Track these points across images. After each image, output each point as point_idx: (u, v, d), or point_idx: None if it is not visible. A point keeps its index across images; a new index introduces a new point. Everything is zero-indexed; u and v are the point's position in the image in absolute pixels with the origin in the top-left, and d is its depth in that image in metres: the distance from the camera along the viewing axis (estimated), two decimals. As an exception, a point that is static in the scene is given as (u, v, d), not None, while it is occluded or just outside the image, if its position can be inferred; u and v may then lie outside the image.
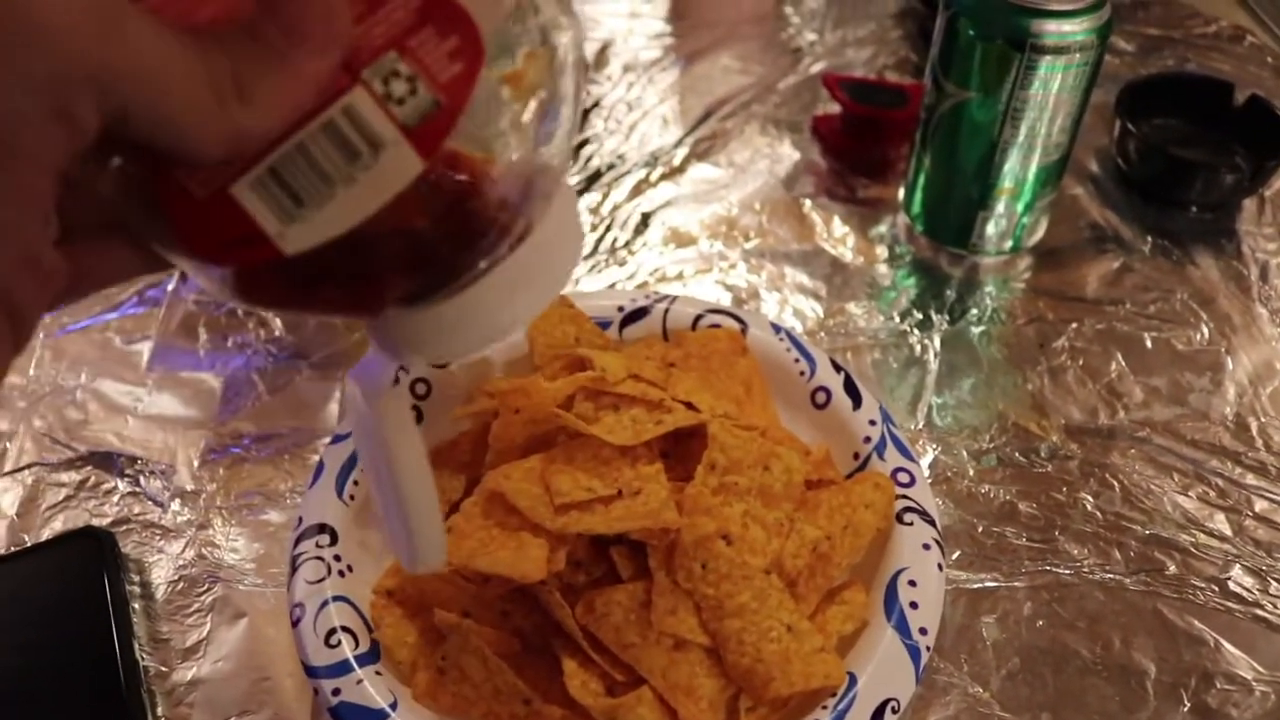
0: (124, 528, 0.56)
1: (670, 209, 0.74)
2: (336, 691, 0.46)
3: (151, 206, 0.24)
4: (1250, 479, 0.58)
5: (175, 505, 0.57)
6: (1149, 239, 0.72)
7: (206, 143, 0.22)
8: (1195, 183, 0.72)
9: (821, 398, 0.56)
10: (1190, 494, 0.57)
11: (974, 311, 0.66)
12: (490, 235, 0.27)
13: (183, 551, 0.55)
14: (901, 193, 0.71)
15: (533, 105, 0.26)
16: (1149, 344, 0.65)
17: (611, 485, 0.48)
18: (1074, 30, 0.58)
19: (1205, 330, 0.66)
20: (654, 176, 0.76)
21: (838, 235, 0.71)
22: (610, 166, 0.76)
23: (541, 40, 0.26)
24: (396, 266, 0.27)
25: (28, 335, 0.23)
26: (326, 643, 0.48)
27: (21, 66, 0.19)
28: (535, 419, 0.51)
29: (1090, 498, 0.57)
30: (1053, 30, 0.58)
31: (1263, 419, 0.61)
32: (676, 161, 0.77)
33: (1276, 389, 0.63)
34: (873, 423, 0.55)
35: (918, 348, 0.64)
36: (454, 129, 0.24)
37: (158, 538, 0.56)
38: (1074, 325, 0.66)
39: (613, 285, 0.68)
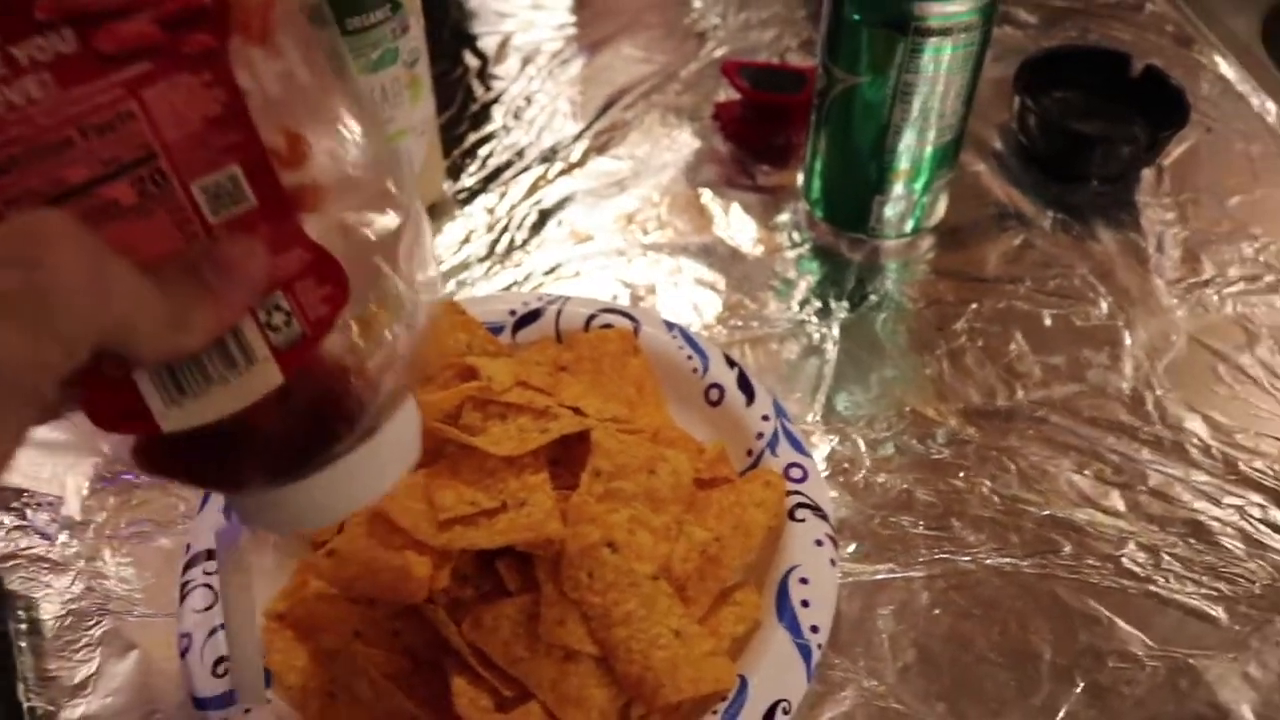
0: (10, 563, 0.55)
1: (569, 206, 0.73)
2: (225, 723, 0.46)
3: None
4: (1145, 454, 0.58)
5: (63, 537, 0.56)
6: (1050, 214, 0.72)
7: (154, 358, 0.28)
8: (1093, 156, 0.72)
9: (715, 395, 0.56)
10: (1086, 472, 0.57)
11: (874, 297, 0.66)
12: (334, 434, 0.33)
13: (71, 584, 0.54)
14: (801, 178, 0.71)
15: (377, 344, 0.33)
16: (1048, 321, 0.65)
17: (496, 497, 0.47)
18: (958, 11, 0.58)
19: (1104, 305, 0.66)
20: (552, 173, 0.75)
21: (738, 225, 0.71)
22: (508, 164, 0.75)
23: (397, 296, 0.33)
24: (254, 453, 0.32)
25: None
26: (214, 672, 0.47)
27: (42, 328, 0.24)
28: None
29: (987, 482, 0.57)
30: (936, 12, 0.58)
31: (1158, 392, 0.61)
32: (575, 156, 0.76)
33: (1172, 361, 0.63)
34: (766, 418, 0.54)
35: (816, 336, 0.64)
36: (312, 353, 0.31)
37: (45, 572, 0.55)
38: (974, 306, 0.66)
39: (509, 287, 0.67)
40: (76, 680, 0.51)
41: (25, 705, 0.50)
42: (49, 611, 0.53)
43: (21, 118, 0.25)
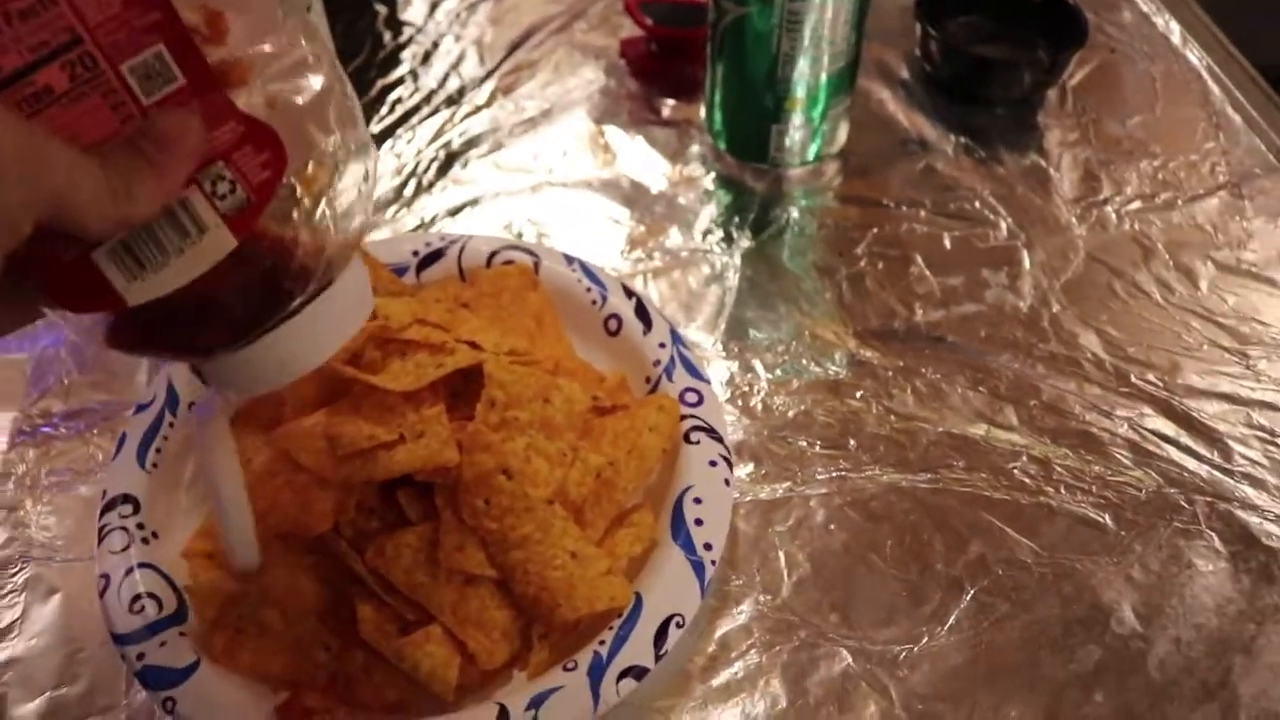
0: (-69, 514, 0.56)
1: (476, 147, 0.73)
2: (141, 656, 0.47)
3: (25, 269, 0.30)
4: (1040, 369, 0.60)
5: (-14, 488, 0.57)
6: (953, 138, 0.73)
7: (102, 230, 0.29)
8: (995, 80, 0.74)
9: (614, 325, 0.57)
10: (981, 389, 0.59)
11: (776, 225, 0.67)
12: (289, 293, 0.35)
13: (-8, 533, 0.55)
14: (703, 111, 0.72)
15: (321, 200, 0.35)
16: (948, 244, 0.66)
17: (394, 430, 0.48)
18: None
19: (1004, 226, 0.67)
20: (459, 115, 0.75)
21: (644, 160, 0.72)
22: (416, 109, 0.76)
23: (332, 155, 0.35)
24: (217, 317, 0.34)
25: None
26: (130, 609, 0.48)
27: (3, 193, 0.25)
28: (325, 373, 0.51)
29: (884, 401, 0.58)
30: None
31: (1055, 309, 0.63)
32: (482, 98, 0.76)
33: (1070, 279, 0.65)
34: (662, 345, 0.55)
35: (719, 265, 0.65)
36: (260, 217, 0.33)
37: (-35, 521, 0.56)
38: (875, 230, 0.67)
39: (415, 229, 0.68)
40: (2, 625, 0.52)
41: (-52, 649, 0.51)
42: (-27, 560, 0.54)
43: None
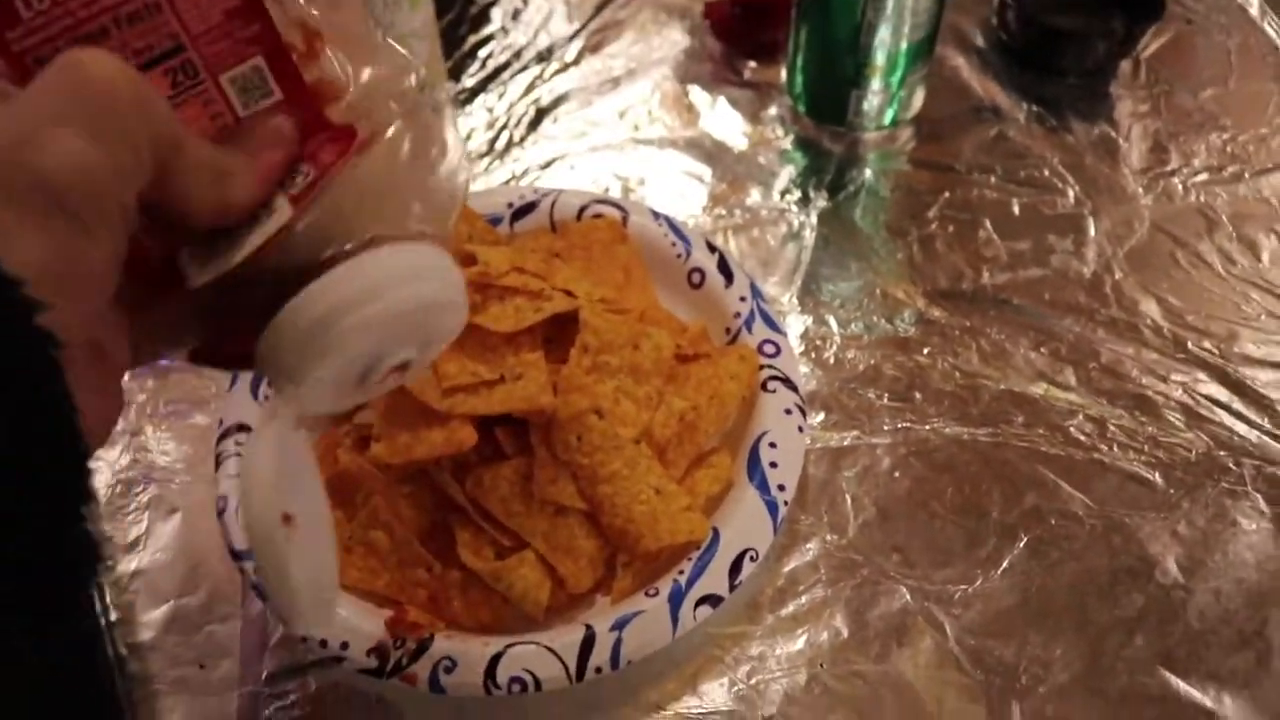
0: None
1: (564, 103, 0.77)
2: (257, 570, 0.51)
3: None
4: (1100, 333, 0.62)
5: (108, 413, 0.62)
6: (1026, 107, 0.75)
7: (200, 211, 0.30)
8: (1069, 50, 0.75)
9: (697, 278, 0.61)
10: (1043, 350, 0.62)
11: (852, 186, 0.70)
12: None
13: (119, 457, 0.60)
14: (784, 75, 0.74)
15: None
16: (1017, 210, 0.69)
17: (495, 370, 0.52)
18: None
19: (1071, 194, 0.70)
20: (548, 72, 0.79)
21: (725, 120, 0.75)
22: (506, 65, 0.79)
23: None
24: (282, 285, 0.33)
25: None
26: (247, 528, 0.53)
27: (107, 132, 0.26)
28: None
29: (949, 358, 0.61)
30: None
31: (1117, 276, 0.65)
32: (570, 55, 0.80)
33: (1133, 247, 0.67)
34: (743, 299, 0.59)
35: (796, 224, 0.68)
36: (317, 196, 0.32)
37: (95, 444, 0.60)
38: (946, 195, 0.69)
39: (507, 182, 0.72)
40: (129, 540, 0.57)
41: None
42: (102, 481, 0.59)
43: (63, 11, 0.28)
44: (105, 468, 0.59)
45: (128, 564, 0.56)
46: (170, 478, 0.59)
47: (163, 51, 0.29)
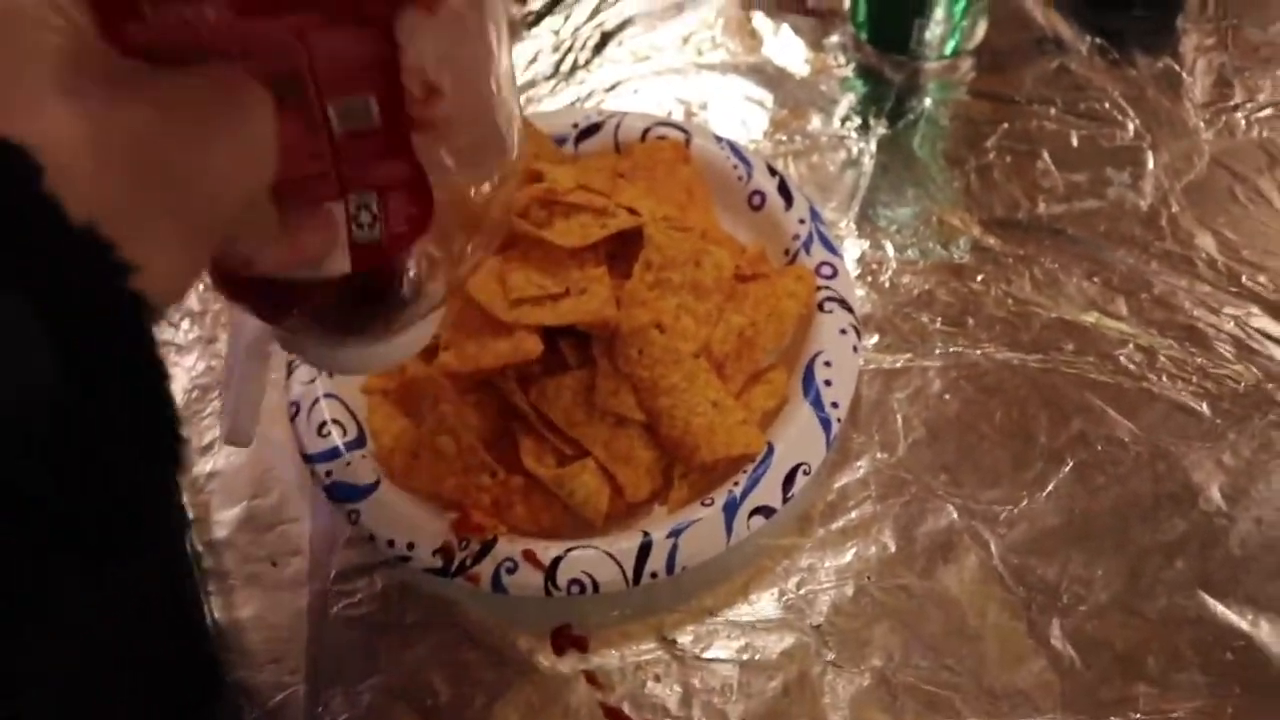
0: (145, 347, 0.63)
1: (628, 27, 0.77)
2: (329, 473, 0.54)
3: None
4: (1154, 265, 0.63)
5: (185, 324, 0.64)
6: (1088, 39, 0.75)
7: (229, 261, 0.32)
8: (1136, -19, 0.75)
9: (757, 200, 0.62)
10: (1095, 280, 0.62)
11: (911, 115, 0.71)
12: (367, 328, 0.38)
13: (195, 364, 0.63)
14: (848, 2, 0.75)
15: (432, 278, 0.37)
16: (1075, 142, 0.69)
17: (561, 284, 0.54)
18: None
19: (1131, 127, 0.70)
20: (613, -5, 0.79)
21: (788, 46, 0.75)
22: (573, -14, 0.80)
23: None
24: (307, 311, 0.36)
25: None
26: (319, 433, 0.55)
27: (245, 148, 0.28)
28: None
29: (1003, 285, 0.62)
30: None
31: (1173, 209, 0.66)
32: (635, -21, 0.80)
33: (1191, 181, 0.67)
34: (802, 221, 0.60)
35: (855, 150, 0.69)
36: (380, 263, 0.34)
37: (173, 353, 0.63)
38: (1005, 125, 0.70)
39: (572, 104, 0.73)
40: (205, 442, 0.60)
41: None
42: (178, 386, 0.62)
43: (195, 35, 0.27)
44: (182, 374, 0.62)
45: (203, 465, 0.59)
46: (244, 383, 0.62)
47: (283, 78, 0.29)
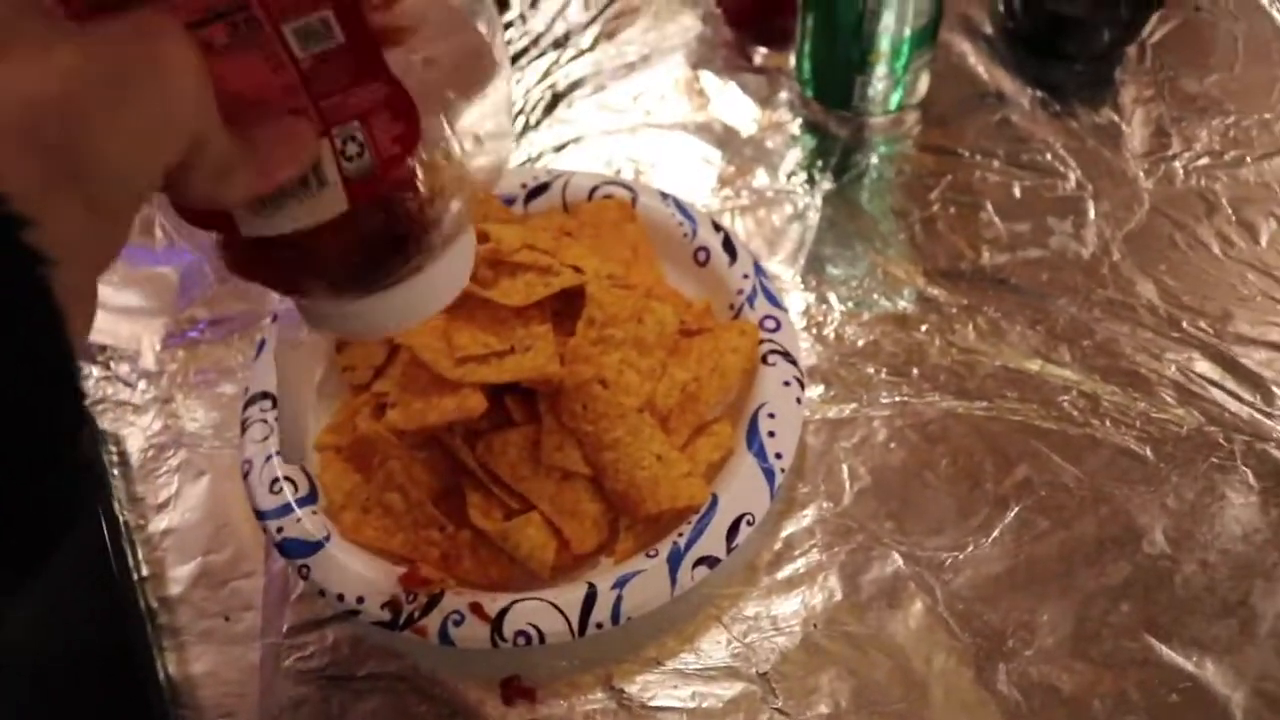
0: (100, 406, 0.64)
1: (579, 88, 0.79)
2: (280, 529, 0.54)
3: None
4: (1096, 313, 0.64)
5: (142, 385, 0.65)
6: (1030, 92, 0.76)
7: (197, 199, 0.30)
8: (1074, 36, 0.77)
9: (702, 256, 0.63)
10: (1038, 328, 0.63)
11: (856, 169, 0.72)
12: (389, 267, 0.36)
13: (151, 423, 0.64)
14: (792, 60, 0.76)
15: (439, 190, 0.35)
16: (1018, 193, 0.70)
17: (506, 341, 0.54)
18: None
19: (1073, 178, 0.71)
20: (564, 58, 0.81)
21: (736, 105, 0.77)
22: (524, 50, 0.81)
23: (459, 151, 0.35)
24: (318, 269, 0.35)
25: None
26: (270, 490, 0.56)
27: (160, 109, 0.26)
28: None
29: (947, 334, 0.63)
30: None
31: (1114, 257, 0.67)
32: (586, 42, 0.82)
33: (1132, 229, 0.68)
34: (745, 276, 0.61)
35: (801, 204, 0.70)
36: (379, 190, 0.33)
37: (130, 413, 0.64)
38: (949, 177, 0.71)
39: (523, 164, 0.74)
40: (160, 500, 0.61)
41: (121, 519, 0.60)
42: (134, 445, 0.63)
43: None
44: (138, 433, 0.63)
45: (158, 523, 0.60)
46: (199, 443, 0.63)
47: (228, 8, 0.28)
